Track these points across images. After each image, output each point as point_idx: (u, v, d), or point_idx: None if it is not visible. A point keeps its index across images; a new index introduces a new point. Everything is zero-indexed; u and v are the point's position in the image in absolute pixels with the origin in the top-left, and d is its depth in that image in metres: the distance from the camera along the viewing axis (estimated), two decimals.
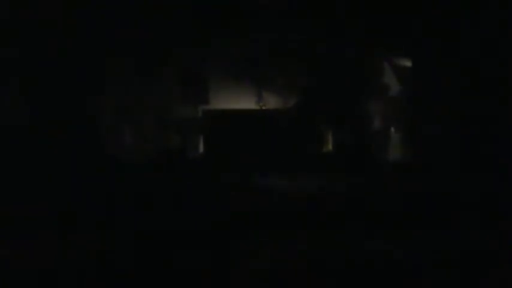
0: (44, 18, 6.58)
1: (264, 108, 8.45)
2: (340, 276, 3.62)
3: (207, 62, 8.34)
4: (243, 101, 8.41)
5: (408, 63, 7.93)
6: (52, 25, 6.67)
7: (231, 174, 7.32)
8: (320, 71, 8.27)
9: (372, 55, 8.13)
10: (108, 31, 7.28)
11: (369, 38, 7.69)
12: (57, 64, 6.89)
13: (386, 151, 8.11)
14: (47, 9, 6.54)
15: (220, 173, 7.42)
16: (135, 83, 7.98)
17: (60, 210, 5.21)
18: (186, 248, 4.13)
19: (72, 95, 7.05)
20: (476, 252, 3.94)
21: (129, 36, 7.52)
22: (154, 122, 8.06)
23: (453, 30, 6.88)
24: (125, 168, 6.89)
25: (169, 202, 5.72)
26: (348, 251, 4.08)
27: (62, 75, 6.94)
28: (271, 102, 8.47)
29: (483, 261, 3.77)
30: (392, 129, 8.15)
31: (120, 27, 7.36)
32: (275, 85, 8.43)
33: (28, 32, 6.59)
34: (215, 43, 8.09)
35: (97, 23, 7.08)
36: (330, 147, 8.30)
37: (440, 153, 6.98)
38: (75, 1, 6.77)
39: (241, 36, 8.02)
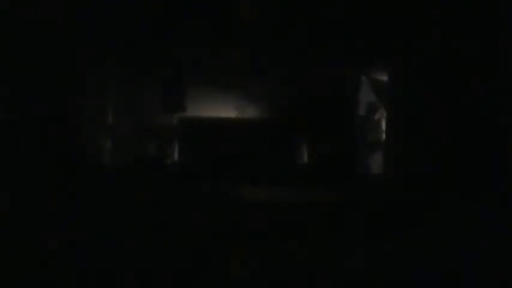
0: (25, 20, 6.48)
1: (241, 116, 8.39)
2: None
3: (185, 69, 8.28)
4: (221, 110, 8.34)
5: (387, 78, 8.03)
6: (32, 30, 6.60)
7: (207, 183, 7.22)
8: (300, 81, 8.29)
9: (352, 68, 8.20)
10: (89, 37, 7.20)
11: (350, 51, 7.76)
12: (36, 68, 6.77)
13: (367, 162, 8.15)
14: (30, 10, 6.45)
15: (196, 181, 7.32)
16: (114, 89, 7.91)
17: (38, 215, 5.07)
18: (162, 257, 4.04)
19: (51, 100, 6.93)
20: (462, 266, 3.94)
21: (110, 43, 7.47)
22: (131, 129, 7.96)
23: (433, 45, 7.00)
24: (102, 174, 6.78)
25: (146, 209, 5.61)
26: (327, 264, 4.04)
27: (41, 80, 6.82)
28: (250, 111, 8.43)
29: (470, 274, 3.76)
30: (374, 141, 8.21)
31: (101, 34, 7.31)
32: (254, 94, 8.40)
33: (6, 33, 6.48)
34: (195, 51, 8.05)
35: (79, 29, 7.02)
36: (308, 158, 8.28)
37: (422, 165, 7.04)
38: (59, 5, 6.70)
39: (222, 45, 8.02)
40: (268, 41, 7.99)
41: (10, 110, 6.52)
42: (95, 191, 6.17)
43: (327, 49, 7.89)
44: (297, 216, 5.70)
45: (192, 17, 7.70)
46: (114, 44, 7.58)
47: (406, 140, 7.33)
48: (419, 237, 4.62)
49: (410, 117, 7.32)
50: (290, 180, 7.61)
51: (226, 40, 7.96)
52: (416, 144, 7.15)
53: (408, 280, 3.59)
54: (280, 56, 8.12)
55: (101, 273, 3.57)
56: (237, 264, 3.82)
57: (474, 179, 6.38)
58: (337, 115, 8.23)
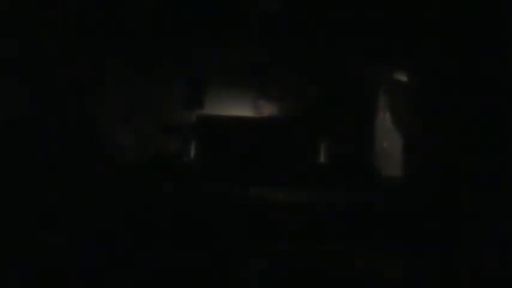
0: (45, 17, 6.46)
1: (261, 115, 8.36)
2: None
3: (205, 67, 8.25)
4: (240, 108, 8.31)
5: (407, 79, 7.94)
6: (52, 24, 6.57)
7: (225, 182, 7.20)
8: (320, 81, 8.24)
9: (372, 68, 8.12)
10: (109, 32, 7.19)
11: (371, 50, 7.70)
12: (56, 64, 6.76)
13: (386, 164, 8.10)
14: (48, 8, 6.44)
15: (214, 180, 7.30)
16: (133, 85, 7.91)
17: (57, 210, 5.07)
18: (179, 254, 4.05)
19: (69, 97, 6.95)
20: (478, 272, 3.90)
21: (129, 39, 7.46)
22: (150, 126, 7.97)
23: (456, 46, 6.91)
24: (122, 170, 6.79)
25: (163, 206, 5.62)
26: (341, 264, 4.03)
27: (60, 76, 6.82)
28: (269, 110, 8.39)
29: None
30: (393, 142, 8.14)
31: (121, 29, 7.30)
32: (274, 93, 8.36)
33: (27, 31, 6.46)
34: (215, 49, 8.02)
35: (98, 24, 7.00)
36: (327, 158, 8.23)
37: (438, 168, 6.98)
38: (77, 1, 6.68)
39: (241, 43, 7.98)
40: (288, 40, 7.96)
41: (29, 107, 6.55)
42: (114, 188, 6.17)
43: (347, 49, 7.84)
44: (315, 216, 5.69)
45: (211, 14, 7.68)
46: (133, 41, 7.58)
47: (426, 142, 7.27)
48: (438, 242, 4.59)
49: (430, 120, 7.26)
50: (308, 180, 7.58)
51: (245, 38, 7.93)
52: (436, 147, 7.09)
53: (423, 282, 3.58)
54: (300, 55, 8.09)
55: (117, 271, 3.59)
56: (256, 264, 3.83)
57: (495, 183, 6.32)
58: (357, 115, 8.17)
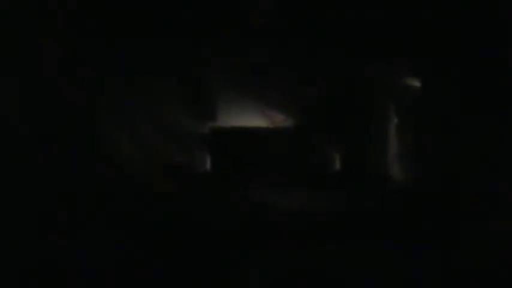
0: (45, 20, 6.44)
1: (272, 126, 8.44)
2: None
3: (215, 77, 8.37)
4: (251, 119, 8.40)
5: (417, 83, 7.93)
6: (52, 31, 6.46)
7: (237, 192, 7.28)
8: (329, 89, 8.29)
9: (380, 75, 8.14)
10: (117, 42, 7.29)
11: (377, 58, 7.72)
12: (59, 71, 6.65)
13: (392, 170, 8.07)
14: (48, 11, 6.50)
15: (226, 190, 7.39)
16: (143, 97, 8.02)
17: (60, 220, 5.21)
18: (188, 265, 4.11)
19: (74, 108, 6.95)
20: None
21: (137, 49, 7.55)
22: (160, 137, 8.08)
23: (462, 49, 6.89)
24: (131, 181, 6.87)
25: (174, 218, 5.70)
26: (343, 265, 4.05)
27: (64, 87, 6.84)
28: (279, 120, 8.46)
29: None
30: (399, 148, 8.11)
31: (128, 38, 7.38)
32: (284, 104, 8.44)
33: (27, 35, 6.34)
34: (224, 59, 8.14)
35: (104, 32, 7.09)
36: (338, 166, 8.26)
37: (445, 174, 6.93)
38: (81, 6, 6.76)
39: (251, 53, 8.06)
40: (297, 50, 8.02)
41: (31, 119, 6.37)
42: (122, 200, 6.24)
43: (357, 55, 7.85)
44: (327, 223, 5.71)
45: (221, 24, 7.78)
46: (142, 50, 7.68)
47: (435, 146, 7.23)
48: (450, 246, 4.56)
49: (439, 124, 7.22)
50: (320, 187, 7.62)
51: (255, 49, 8.03)
52: (445, 151, 7.05)
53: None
54: (301, 56, 8.14)
55: (130, 280, 3.67)
56: (268, 273, 3.86)
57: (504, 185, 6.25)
58: (367, 122, 8.18)
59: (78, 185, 5.99)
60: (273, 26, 7.82)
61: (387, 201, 6.79)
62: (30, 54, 6.29)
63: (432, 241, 4.83)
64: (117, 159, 7.16)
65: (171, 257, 4.29)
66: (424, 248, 4.68)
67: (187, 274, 3.77)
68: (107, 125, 7.38)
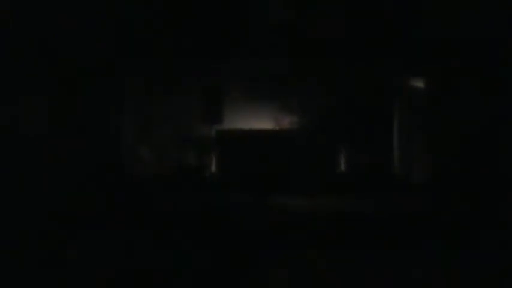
0: (64, 32, 6.66)
1: (279, 128, 8.45)
2: None
3: (224, 81, 8.42)
4: (258, 121, 8.42)
5: (427, 86, 7.94)
6: (71, 41, 6.76)
7: (245, 194, 7.34)
8: (337, 90, 8.31)
9: (389, 75, 8.15)
10: (129, 49, 7.37)
11: (387, 58, 7.74)
12: (78, 80, 6.94)
13: (404, 171, 8.09)
14: (67, 23, 6.63)
15: (234, 192, 7.41)
16: (153, 101, 8.13)
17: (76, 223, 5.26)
18: (198, 266, 4.12)
19: (90, 110, 7.10)
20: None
21: (150, 54, 7.62)
22: (170, 139, 8.12)
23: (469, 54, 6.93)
24: (141, 184, 6.91)
25: (183, 220, 5.72)
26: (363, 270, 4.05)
27: (81, 91, 7.00)
28: (287, 122, 8.48)
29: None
30: (413, 150, 8.13)
31: (140, 45, 7.48)
32: (291, 105, 8.45)
33: (47, 48, 6.65)
34: (233, 62, 8.20)
35: (118, 41, 7.18)
36: (347, 167, 8.28)
37: (456, 174, 6.95)
38: (98, 18, 6.86)
39: (259, 56, 8.16)
40: (306, 52, 8.05)
41: (49, 120, 6.67)
42: (134, 201, 6.32)
43: (366, 58, 7.89)
44: (337, 225, 5.72)
45: (231, 29, 7.82)
46: (154, 54, 7.74)
47: (446, 148, 7.25)
48: (461, 248, 4.57)
49: (450, 126, 7.24)
50: (329, 190, 7.66)
51: (263, 52, 8.06)
52: (455, 153, 7.07)
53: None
54: (318, 67, 8.17)
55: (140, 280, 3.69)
56: (277, 274, 3.88)
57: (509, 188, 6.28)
58: (376, 124, 8.21)
59: (93, 183, 6.03)
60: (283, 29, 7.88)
61: (404, 203, 6.80)
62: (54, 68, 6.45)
63: (452, 241, 4.82)
64: (131, 161, 7.23)
65: (182, 257, 4.31)
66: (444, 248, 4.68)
67: (201, 273, 3.81)
68: (124, 129, 7.45)
